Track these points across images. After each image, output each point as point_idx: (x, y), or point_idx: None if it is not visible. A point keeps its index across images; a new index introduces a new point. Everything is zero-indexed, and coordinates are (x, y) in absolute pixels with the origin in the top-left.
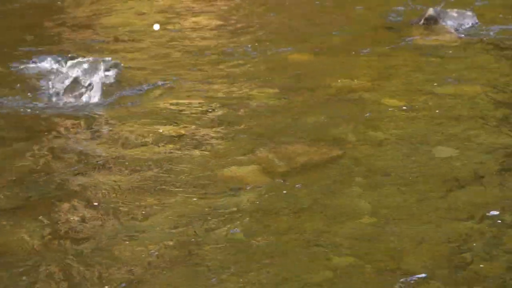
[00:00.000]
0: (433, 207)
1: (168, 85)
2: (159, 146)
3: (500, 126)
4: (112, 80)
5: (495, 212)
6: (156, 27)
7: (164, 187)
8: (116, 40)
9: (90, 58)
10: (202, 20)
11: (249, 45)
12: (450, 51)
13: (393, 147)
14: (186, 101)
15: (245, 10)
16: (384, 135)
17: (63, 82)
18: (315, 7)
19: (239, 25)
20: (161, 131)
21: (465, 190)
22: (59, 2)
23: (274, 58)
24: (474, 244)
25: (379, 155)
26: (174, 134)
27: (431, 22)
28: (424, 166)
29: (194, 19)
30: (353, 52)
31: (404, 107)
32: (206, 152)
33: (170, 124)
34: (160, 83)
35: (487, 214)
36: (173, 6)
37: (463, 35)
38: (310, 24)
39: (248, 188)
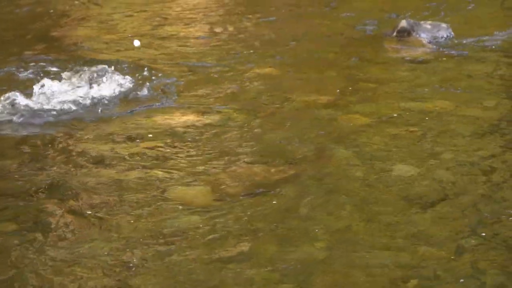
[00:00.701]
0: (391, 231)
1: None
2: (110, 165)
3: (468, 144)
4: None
5: (457, 237)
6: (136, 43)
7: (108, 208)
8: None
9: None
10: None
11: (216, 57)
12: (422, 65)
13: (353, 166)
14: (139, 118)
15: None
16: (346, 153)
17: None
18: (284, 16)
19: (213, 34)
20: (111, 149)
21: (424, 212)
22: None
23: (239, 72)
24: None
25: (338, 174)
26: (125, 152)
27: (404, 34)
28: (383, 185)
29: (168, 27)
30: (323, 65)
31: (369, 123)
32: (157, 171)
33: (124, 142)
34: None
35: (449, 238)
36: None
37: (436, 48)
38: (280, 36)
39: (194, 210)
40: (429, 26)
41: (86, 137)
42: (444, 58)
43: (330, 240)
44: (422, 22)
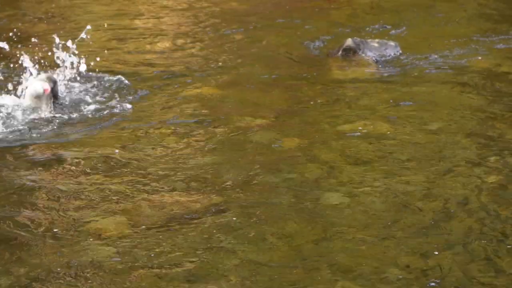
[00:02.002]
0: (310, 264)
1: None
2: (33, 192)
3: (403, 170)
4: None
5: (378, 270)
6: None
7: (21, 239)
8: None
9: None
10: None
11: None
12: (365, 85)
13: (281, 194)
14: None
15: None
16: (275, 179)
17: None
18: (246, 30)
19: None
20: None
21: (348, 242)
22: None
23: (176, 91)
24: None
25: (263, 204)
26: (47, 180)
27: (350, 53)
28: (310, 215)
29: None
30: (264, 86)
31: (303, 148)
32: (76, 201)
33: (47, 171)
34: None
35: (371, 271)
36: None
37: (381, 67)
38: (230, 52)
39: (107, 241)
40: (376, 44)
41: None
42: (389, 78)
43: (245, 276)
44: (369, 40)
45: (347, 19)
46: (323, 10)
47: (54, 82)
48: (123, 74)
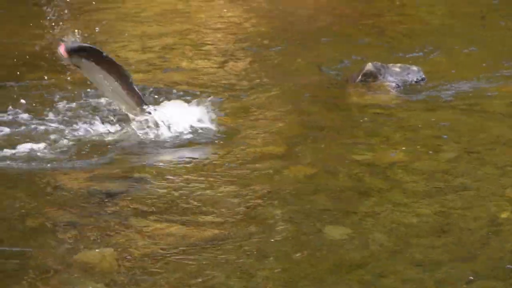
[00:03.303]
0: None
1: None
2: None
3: (412, 201)
4: None
5: None
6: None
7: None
8: None
9: None
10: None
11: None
12: (383, 111)
13: (281, 227)
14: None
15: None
16: (277, 211)
17: None
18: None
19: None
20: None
21: (350, 274)
22: None
23: None
24: None
25: (261, 238)
26: (41, 211)
27: (370, 78)
28: (311, 249)
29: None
30: (279, 111)
31: (312, 176)
32: (65, 234)
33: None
34: None
35: None
36: None
37: (402, 93)
38: (248, 75)
39: (94, 275)
40: (398, 69)
41: None
42: (408, 105)
43: None
44: (391, 64)
45: (375, 41)
46: (354, 31)
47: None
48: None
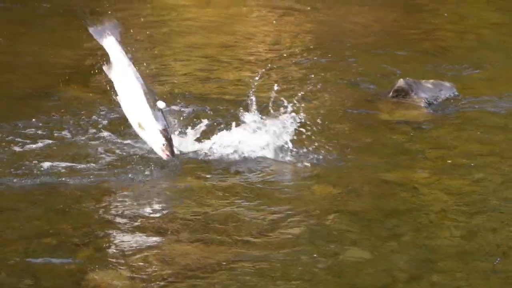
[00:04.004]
0: None
1: None
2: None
3: (435, 223)
4: None
5: None
6: (161, 104)
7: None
8: None
9: None
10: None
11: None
12: (412, 129)
13: (300, 248)
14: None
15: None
16: (297, 231)
17: None
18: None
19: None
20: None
21: None
22: None
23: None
24: None
25: (279, 259)
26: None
27: (401, 94)
28: (329, 272)
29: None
30: (305, 126)
31: (336, 195)
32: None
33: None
34: None
35: None
36: None
37: (434, 110)
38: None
39: None
40: (430, 85)
41: None
42: (439, 122)
43: None
44: (423, 81)
45: (415, 56)
46: (395, 44)
47: None
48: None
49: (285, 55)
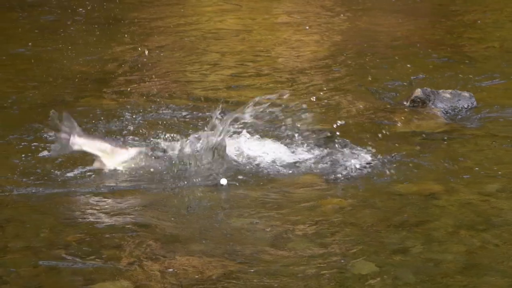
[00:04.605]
0: None
1: None
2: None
3: (445, 237)
4: None
5: None
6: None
7: None
8: None
9: None
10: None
11: None
12: (427, 140)
13: (306, 262)
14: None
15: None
16: (304, 245)
17: None
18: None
19: None
20: None
21: None
22: None
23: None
24: None
25: (284, 274)
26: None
27: (418, 104)
28: (335, 284)
29: None
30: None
31: (345, 207)
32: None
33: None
34: None
35: None
36: None
37: (451, 121)
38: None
39: None
40: (448, 95)
41: None
42: (455, 133)
43: None
44: (441, 90)
45: (441, 65)
46: (422, 53)
47: None
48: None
49: (309, 62)
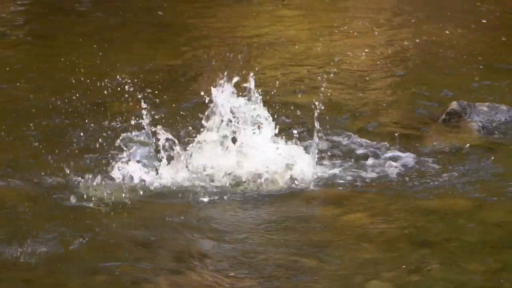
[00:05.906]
0: None
1: None
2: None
3: (466, 256)
4: None
5: None
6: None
7: None
8: None
9: None
10: None
11: None
12: (461, 155)
13: (321, 282)
14: None
15: None
16: (320, 263)
17: None
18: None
19: None
20: None
21: None
22: None
23: None
24: None
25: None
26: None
27: (454, 117)
28: None
29: None
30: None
31: (365, 225)
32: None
33: None
34: None
35: None
36: None
37: (487, 135)
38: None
39: None
40: (485, 108)
41: None
42: (490, 148)
43: None
44: (478, 103)
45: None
46: (472, 64)
47: None
48: None
49: (369, 71)
